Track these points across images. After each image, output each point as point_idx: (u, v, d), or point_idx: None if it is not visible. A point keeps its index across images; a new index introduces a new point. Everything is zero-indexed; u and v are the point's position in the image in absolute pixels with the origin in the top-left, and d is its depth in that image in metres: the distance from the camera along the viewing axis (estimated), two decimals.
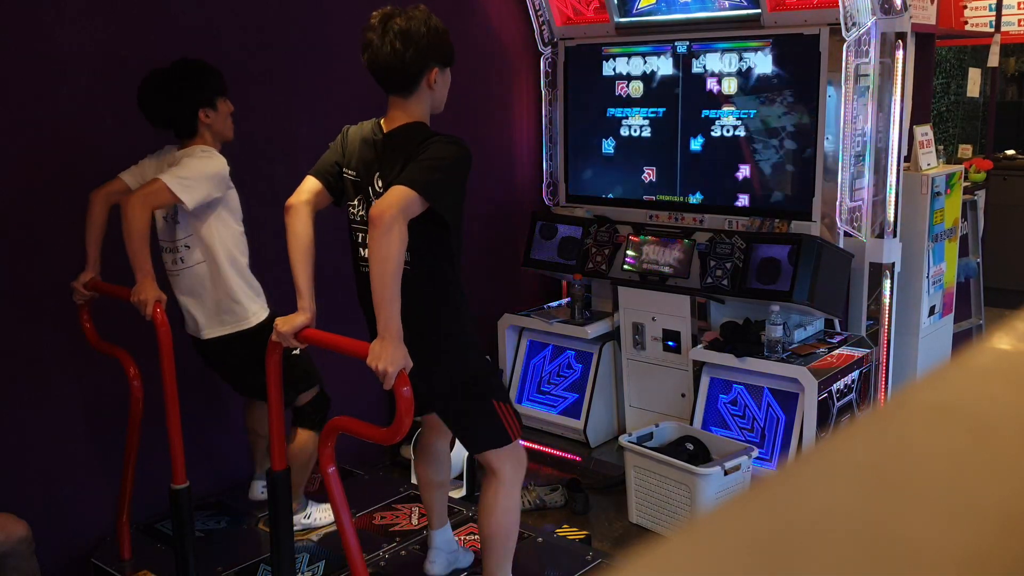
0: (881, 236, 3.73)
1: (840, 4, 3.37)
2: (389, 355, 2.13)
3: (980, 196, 4.94)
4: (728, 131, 3.88)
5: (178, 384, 2.65)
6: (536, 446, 4.19)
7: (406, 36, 2.30)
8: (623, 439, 3.63)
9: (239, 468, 3.42)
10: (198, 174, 2.73)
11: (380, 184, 2.37)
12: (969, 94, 6.73)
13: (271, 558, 2.70)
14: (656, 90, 4.09)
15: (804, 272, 3.52)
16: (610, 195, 4.32)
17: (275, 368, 2.51)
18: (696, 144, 3.99)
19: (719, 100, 3.89)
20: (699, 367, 3.79)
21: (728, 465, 3.29)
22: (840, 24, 3.40)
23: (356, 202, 2.47)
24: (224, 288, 2.88)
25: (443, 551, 2.91)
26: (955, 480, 0.36)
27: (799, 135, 3.69)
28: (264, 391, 3.16)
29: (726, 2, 3.82)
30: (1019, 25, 6.46)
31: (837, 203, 3.57)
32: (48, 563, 2.89)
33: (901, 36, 3.59)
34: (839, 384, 3.54)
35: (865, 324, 3.87)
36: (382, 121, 2.45)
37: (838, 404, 3.54)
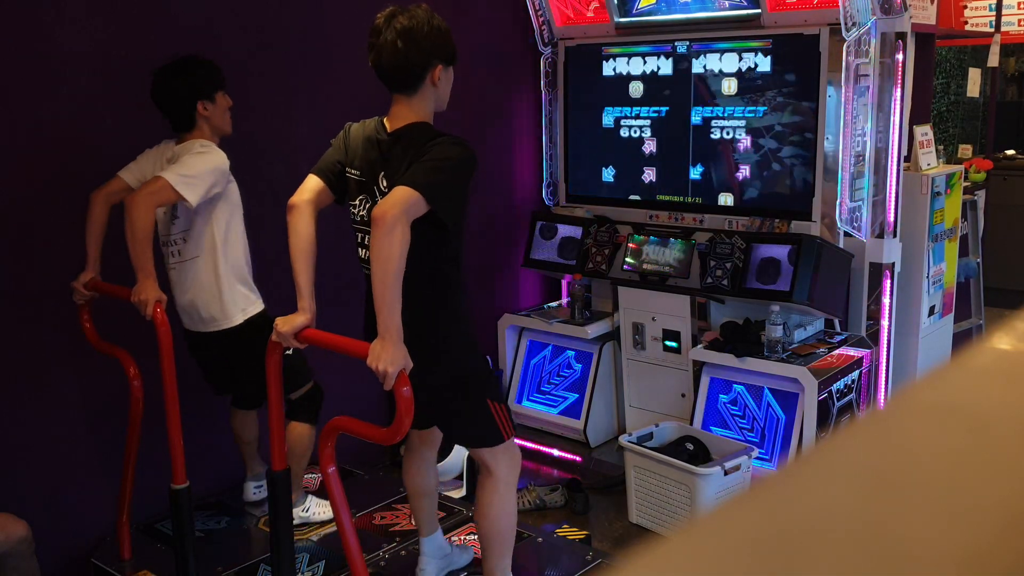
0: (881, 236, 3.73)
1: (840, 4, 3.37)
2: (389, 355, 2.13)
3: (980, 196, 4.94)
4: (728, 131, 3.88)
5: (178, 384, 2.65)
6: (536, 446, 4.19)
7: (409, 34, 2.31)
8: (623, 439, 3.63)
9: (239, 468, 3.42)
10: (200, 170, 2.73)
11: (385, 184, 2.37)
12: (969, 94, 6.73)
13: (271, 558, 2.70)
14: (656, 90, 4.09)
15: (804, 272, 3.52)
16: (610, 195, 4.32)
17: (275, 368, 2.51)
18: (696, 144, 3.99)
19: (719, 100, 3.89)
20: (699, 367, 3.80)
21: (728, 465, 3.29)
22: (840, 24, 3.40)
23: (358, 202, 2.46)
24: (219, 282, 2.89)
25: (434, 557, 2.91)
26: (955, 480, 0.36)
27: (799, 135, 3.69)
28: (241, 389, 3.17)
29: (726, 2, 3.82)
30: (1019, 25, 6.46)
31: (837, 203, 3.56)
32: (48, 563, 2.89)
33: (901, 36, 3.60)
34: (839, 384, 3.54)
35: (865, 324, 3.87)
36: (385, 120, 2.44)
37: (838, 404, 3.54)
